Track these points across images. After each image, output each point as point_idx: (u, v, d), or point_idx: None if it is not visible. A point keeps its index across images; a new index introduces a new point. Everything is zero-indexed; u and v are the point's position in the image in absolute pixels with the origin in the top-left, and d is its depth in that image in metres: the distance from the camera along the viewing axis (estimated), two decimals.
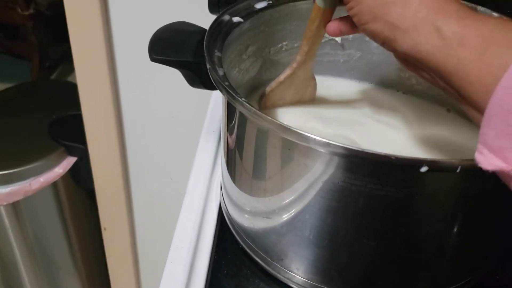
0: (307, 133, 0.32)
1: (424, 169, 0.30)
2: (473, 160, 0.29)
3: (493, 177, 0.27)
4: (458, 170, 0.30)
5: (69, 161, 1.00)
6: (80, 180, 1.05)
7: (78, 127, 0.94)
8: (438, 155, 0.47)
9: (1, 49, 2.41)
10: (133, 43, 0.83)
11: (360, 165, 0.32)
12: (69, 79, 1.86)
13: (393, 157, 0.30)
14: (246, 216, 0.45)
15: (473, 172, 0.29)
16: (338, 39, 0.56)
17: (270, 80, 0.56)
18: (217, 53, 0.41)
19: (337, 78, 0.59)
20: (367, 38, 0.54)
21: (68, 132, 1.01)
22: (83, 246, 1.13)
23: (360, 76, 0.58)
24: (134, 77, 0.87)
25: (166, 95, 0.86)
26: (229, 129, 0.43)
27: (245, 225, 0.45)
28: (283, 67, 0.55)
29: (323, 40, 0.56)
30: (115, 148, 0.94)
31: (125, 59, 0.84)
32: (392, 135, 0.50)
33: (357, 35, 0.56)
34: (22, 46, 2.25)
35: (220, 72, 0.39)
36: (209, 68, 0.38)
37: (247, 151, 0.41)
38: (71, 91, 0.98)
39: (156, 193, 0.98)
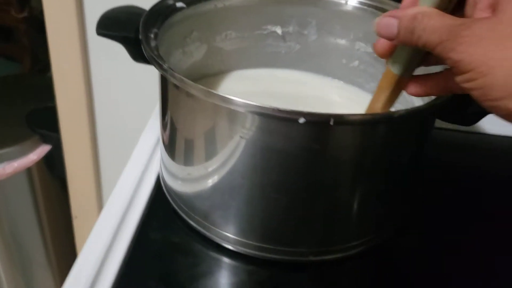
0: (215, 91, 0.38)
1: (302, 120, 0.35)
2: (343, 115, 0.34)
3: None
4: (331, 123, 0.35)
5: (44, 149, 1.05)
6: (54, 168, 1.09)
7: (54, 118, 0.99)
8: None
9: None
10: (107, 43, 0.88)
11: (257, 119, 0.38)
12: None
13: (275, 109, 0.35)
14: (179, 181, 0.50)
15: (348, 126, 0.35)
16: (279, 31, 0.62)
17: (215, 66, 0.61)
18: (154, 30, 0.47)
19: (281, 69, 0.64)
20: (305, 31, 0.62)
21: (44, 122, 1.06)
22: (55, 233, 1.17)
23: (301, 66, 0.64)
24: (106, 73, 0.92)
25: (135, 87, 0.92)
26: (162, 100, 0.48)
27: (177, 189, 0.50)
28: (228, 54, 0.61)
29: (265, 32, 0.62)
30: (86, 138, 0.99)
31: (98, 57, 0.90)
32: None
33: (296, 28, 0.62)
34: (14, 48, 2.31)
35: (152, 44, 0.44)
36: (141, 38, 0.44)
37: (176, 121, 0.46)
38: (48, 84, 1.03)
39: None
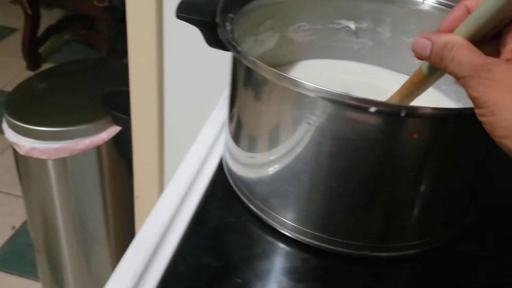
0: (296, 77, 0.38)
1: (373, 109, 0.35)
2: (418, 107, 0.34)
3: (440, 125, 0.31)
4: (402, 114, 0.35)
5: (114, 130, 1.10)
6: (122, 148, 1.14)
7: (126, 101, 1.04)
8: None
9: (77, 37, 2.62)
10: (182, 36, 0.92)
11: (321, 104, 0.38)
12: None
13: (347, 96, 0.35)
14: (241, 166, 0.51)
15: (418, 119, 0.34)
16: (352, 26, 0.61)
17: (285, 56, 0.62)
18: (230, 15, 0.48)
19: (351, 62, 0.64)
20: (379, 29, 0.61)
21: (117, 104, 1.11)
22: (116, 212, 1.22)
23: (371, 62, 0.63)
24: (178, 62, 0.96)
25: (204, 81, 0.94)
26: (232, 85, 0.49)
27: (238, 172, 0.51)
28: (299, 46, 0.62)
29: (337, 27, 0.62)
30: (155, 123, 1.03)
31: (172, 47, 0.93)
32: None
33: (370, 24, 0.61)
34: (94, 37, 2.43)
35: (228, 28, 0.46)
36: (218, 22, 0.45)
37: (245, 106, 0.47)
38: (127, 71, 1.08)
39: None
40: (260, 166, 0.48)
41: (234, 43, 0.42)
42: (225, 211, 0.49)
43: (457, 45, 0.33)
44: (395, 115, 0.36)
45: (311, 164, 0.43)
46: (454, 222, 0.49)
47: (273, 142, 0.45)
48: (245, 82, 0.46)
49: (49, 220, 1.19)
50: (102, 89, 1.15)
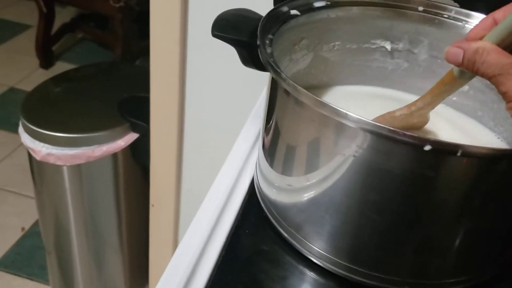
0: (341, 108, 0.37)
1: (427, 147, 0.33)
2: (476, 147, 0.32)
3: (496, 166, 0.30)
4: (458, 154, 0.33)
5: (132, 137, 1.09)
6: (139, 156, 1.13)
7: (144, 107, 1.02)
8: None
9: (90, 36, 2.61)
10: (205, 42, 0.90)
11: (372, 139, 0.36)
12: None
13: (401, 133, 0.33)
14: (274, 190, 0.49)
15: (473, 158, 0.33)
16: (388, 47, 0.60)
17: (318, 77, 0.60)
18: (269, 36, 0.47)
19: (384, 88, 0.63)
20: (416, 50, 0.60)
21: (135, 111, 1.10)
22: (130, 219, 1.21)
23: (405, 86, 0.62)
24: (201, 70, 0.94)
25: (228, 89, 0.93)
26: (269, 107, 0.48)
27: (272, 197, 0.50)
28: (332, 65, 0.60)
29: (373, 47, 0.60)
30: (174, 131, 1.02)
31: (196, 54, 0.92)
32: None
33: (406, 45, 0.60)
34: (108, 37, 2.42)
35: (268, 50, 0.44)
36: (259, 44, 0.44)
37: (281, 129, 0.46)
38: (144, 76, 1.07)
39: (206, 177, 1.04)
40: (294, 191, 0.47)
41: (277, 68, 0.41)
42: (257, 238, 0.48)
43: (487, 49, 0.37)
44: (449, 154, 0.34)
45: (352, 194, 0.41)
46: (495, 260, 0.47)
47: (311, 168, 0.44)
48: (283, 104, 0.45)
49: (61, 222, 1.18)
50: (119, 94, 1.14)
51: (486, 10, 0.55)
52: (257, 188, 0.53)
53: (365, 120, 0.35)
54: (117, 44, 2.26)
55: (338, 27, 0.57)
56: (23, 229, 1.63)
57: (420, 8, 0.57)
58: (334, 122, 0.38)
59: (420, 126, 0.52)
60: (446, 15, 0.56)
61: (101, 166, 1.08)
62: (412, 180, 0.38)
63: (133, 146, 1.10)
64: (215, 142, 1.00)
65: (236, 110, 0.93)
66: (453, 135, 0.55)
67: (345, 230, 0.44)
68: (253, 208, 0.51)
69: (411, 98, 0.62)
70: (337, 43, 0.58)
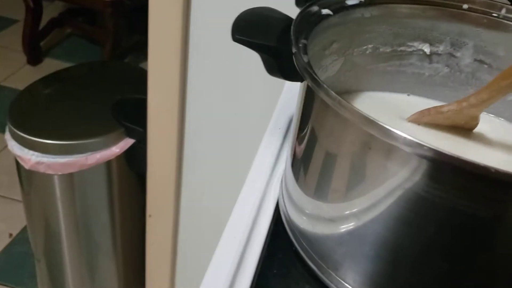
0: (394, 129, 0.29)
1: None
2: None
3: None
4: None
5: (127, 143, 1.01)
6: (134, 163, 1.05)
7: (141, 111, 0.95)
8: None
9: (78, 32, 2.51)
10: (208, 39, 0.82)
11: (450, 174, 0.29)
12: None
13: (492, 170, 0.26)
14: (305, 218, 0.42)
15: None
16: (427, 50, 0.53)
17: (347, 84, 0.53)
18: (303, 41, 0.39)
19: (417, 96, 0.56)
20: (458, 54, 0.53)
21: (130, 115, 1.02)
22: (125, 230, 1.14)
23: (446, 93, 0.55)
24: (203, 71, 0.86)
25: (233, 92, 0.85)
26: (302, 122, 0.40)
27: (303, 226, 0.42)
28: (364, 71, 0.53)
29: (409, 50, 0.53)
30: (174, 136, 0.94)
31: (198, 53, 0.84)
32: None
33: (448, 48, 0.53)
34: (98, 32, 2.33)
35: (305, 59, 0.37)
36: (295, 52, 0.36)
37: (318, 148, 0.39)
38: (139, 76, 0.99)
39: (207, 187, 0.96)
40: (330, 220, 0.40)
41: (318, 79, 0.34)
42: (288, 279, 0.40)
43: None
44: None
45: (398, 230, 0.34)
46: None
47: (352, 194, 0.36)
48: (321, 119, 0.38)
49: (51, 229, 1.11)
50: (113, 97, 1.06)
51: None
52: (284, 215, 0.45)
53: (437, 150, 0.28)
54: (107, 40, 2.17)
55: (372, 28, 0.50)
56: (10, 235, 1.55)
57: (465, 6, 0.50)
58: (385, 144, 0.31)
59: (468, 128, 0.47)
60: (496, 14, 0.49)
61: (95, 174, 1.00)
62: (477, 216, 0.30)
63: (128, 153, 1.02)
64: (219, 149, 0.93)
65: (244, 115, 0.86)
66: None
67: (394, 272, 0.37)
68: (280, 241, 0.43)
69: None
70: (369, 46, 0.51)
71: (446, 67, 0.53)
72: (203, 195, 0.99)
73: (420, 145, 0.28)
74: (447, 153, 0.27)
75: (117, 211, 1.10)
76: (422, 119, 0.46)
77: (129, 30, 2.25)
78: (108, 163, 1.01)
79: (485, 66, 0.52)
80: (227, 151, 0.91)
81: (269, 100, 0.67)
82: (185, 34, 0.85)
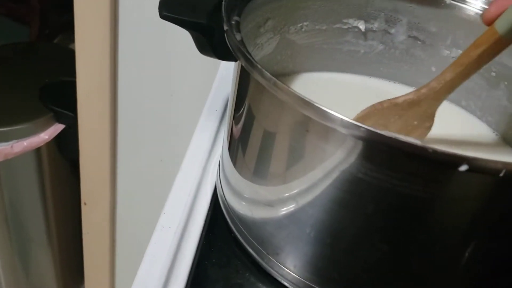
0: (327, 108, 0.28)
1: (463, 168, 0.26)
2: None
3: None
4: (501, 174, 0.26)
5: (57, 128, 0.95)
6: (65, 149, 1.00)
7: (70, 94, 0.89)
8: None
9: (3, 11, 2.35)
10: (138, 11, 0.78)
11: (387, 155, 0.28)
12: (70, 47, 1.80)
13: (430, 150, 0.26)
14: (244, 202, 0.41)
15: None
16: (362, 27, 0.52)
17: (283, 63, 0.52)
18: (235, 17, 0.37)
19: (354, 75, 0.55)
20: (393, 31, 0.52)
21: (59, 98, 0.96)
22: (60, 219, 1.09)
23: (380, 70, 0.55)
24: (134, 50, 0.82)
25: (167, 72, 0.82)
26: (237, 103, 0.39)
27: (241, 212, 0.41)
28: (299, 49, 0.52)
29: (344, 27, 0.52)
30: (106, 120, 0.90)
31: (128, 29, 0.80)
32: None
33: (382, 25, 0.52)
34: (23, 10, 2.19)
35: (238, 37, 0.35)
36: (227, 29, 0.34)
37: (255, 130, 0.37)
38: (68, 57, 0.93)
39: (144, 172, 0.93)
40: (269, 203, 0.38)
41: (252, 60, 0.32)
42: (228, 269, 0.39)
43: None
44: (489, 175, 0.27)
45: (356, 216, 0.33)
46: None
47: (292, 174, 0.35)
48: (256, 100, 0.36)
49: None
50: (40, 80, 1.00)
51: None
52: (222, 200, 0.44)
53: (374, 131, 0.27)
54: (33, 19, 2.04)
55: (307, 4, 0.48)
56: None
57: None
58: (322, 126, 0.30)
59: (420, 133, 0.42)
60: None
61: (23, 163, 0.94)
62: (425, 201, 0.30)
63: (58, 139, 0.96)
64: (154, 132, 0.89)
65: (178, 95, 0.83)
66: (444, 130, 0.49)
67: (334, 255, 0.36)
68: (218, 228, 0.42)
69: (386, 85, 0.55)
70: (305, 23, 0.50)
71: (381, 44, 0.53)
72: (140, 181, 0.95)
73: (357, 126, 0.27)
74: (384, 133, 0.27)
75: (50, 200, 1.04)
76: (371, 112, 0.42)
77: (57, 8, 2.13)
78: (37, 151, 0.95)
79: (419, 42, 0.52)
80: (163, 134, 0.88)
81: (206, 79, 0.65)
82: (113, 12, 0.80)
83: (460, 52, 0.50)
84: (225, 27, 0.34)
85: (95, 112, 0.90)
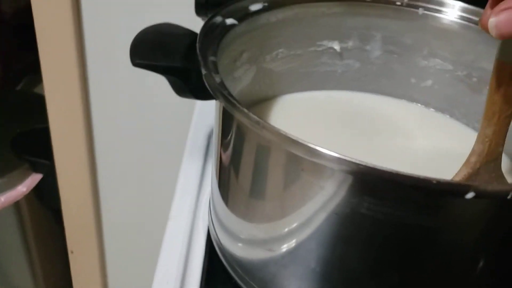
0: (321, 147, 0.27)
1: (470, 195, 0.25)
2: None
3: None
4: (509, 197, 0.25)
5: (34, 179, 0.92)
6: (46, 199, 0.97)
7: (44, 141, 0.87)
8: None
9: None
10: (107, 52, 0.76)
11: (388, 189, 0.27)
12: (35, 91, 1.76)
13: (434, 181, 0.24)
14: (241, 244, 0.39)
15: None
16: (336, 47, 0.51)
17: (263, 91, 0.51)
18: (211, 58, 0.36)
19: (335, 91, 0.54)
20: (368, 47, 0.52)
21: (33, 147, 0.94)
22: (47, 271, 1.05)
23: (360, 87, 0.54)
24: (107, 89, 0.80)
25: (143, 109, 0.80)
26: (223, 144, 0.37)
27: (239, 255, 0.39)
28: (278, 76, 0.51)
29: (319, 49, 0.51)
30: (84, 164, 0.87)
31: (98, 69, 0.78)
32: (394, 147, 0.46)
33: (357, 43, 0.51)
34: None
35: (217, 79, 0.33)
36: (205, 74, 0.33)
37: (245, 169, 0.36)
38: (37, 104, 0.91)
39: (130, 215, 0.91)
40: (269, 243, 0.37)
41: (235, 102, 0.31)
42: None
43: None
44: (497, 200, 0.26)
45: (361, 251, 0.32)
46: None
47: (289, 213, 0.34)
48: (244, 141, 0.35)
49: None
50: (11, 130, 0.97)
51: None
52: (217, 245, 0.42)
53: (374, 168, 0.26)
54: None
55: (280, 32, 0.47)
56: None
57: None
58: (315, 164, 0.29)
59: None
60: (399, 2, 0.49)
61: (3, 219, 0.91)
62: (438, 232, 0.29)
63: (37, 189, 0.93)
64: (135, 173, 0.87)
65: (157, 133, 0.81)
66: (433, 140, 0.48)
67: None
68: (217, 276, 0.40)
69: (368, 98, 0.54)
70: (280, 51, 0.49)
71: (357, 62, 0.52)
72: (128, 225, 0.93)
73: (354, 163, 0.26)
74: (384, 169, 0.25)
75: (34, 252, 1.01)
76: None
77: (20, 50, 2.09)
78: (17, 204, 0.92)
79: (395, 56, 0.51)
80: (146, 175, 0.85)
81: (184, 115, 0.63)
82: (81, 53, 0.78)
83: (438, 61, 0.50)
84: (203, 71, 0.33)
85: (72, 158, 0.87)
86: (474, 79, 0.48)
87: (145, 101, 0.78)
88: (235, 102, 0.31)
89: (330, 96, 0.54)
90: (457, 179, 0.33)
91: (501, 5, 0.26)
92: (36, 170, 0.93)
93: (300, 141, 0.27)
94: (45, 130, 0.84)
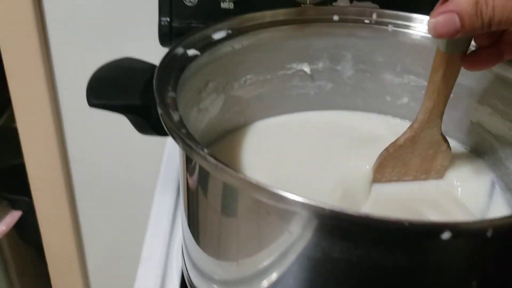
0: (284, 191, 0.25)
1: (446, 235, 0.23)
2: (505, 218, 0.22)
3: None
4: (489, 235, 0.23)
5: (13, 216, 0.90)
6: (27, 235, 0.94)
7: (22, 178, 0.84)
8: None
9: None
10: (78, 84, 0.74)
11: (358, 232, 0.25)
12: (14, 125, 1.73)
13: (406, 223, 0.23)
14: (215, 286, 0.37)
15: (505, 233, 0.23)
16: (307, 69, 0.50)
17: (233, 120, 0.49)
18: (170, 93, 0.34)
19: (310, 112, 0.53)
20: (339, 67, 0.50)
21: (11, 184, 0.91)
22: None
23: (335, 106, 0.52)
24: (80, 121, 0.78)
25: (117, 141, 0.78)
26: (189, 184, 0.35)
27: None
28: (248, 103, 0.49)
29: (289, 72, 0.50)
30: (63, 200, 0.85)
31: (70, 102, 0.76)
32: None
33: (327, 64, 0.50)
34: None
35: (175, 117, 0.32)
36: (161, 113, 0.31)
37: (212, 210, 0.34)
38: (13, 139, 0.88)
39: (112, 248, 0.88)
40: (240, 283, 0.35)
41: (193, 144, 0.29)
42: None
43: None
44: (475, 237, 0.24)
45: None
46: None
47: (262, 255, 0.32)
48: (207, 184, 0.33)
49: None
50: None
51: (408, 7, 0.48)
52: (190, 286, 0.40)
53: (345, 212, 0.24)
54: None
55: (246, 58, 0.46)
56: None
57: (336, 18, 0.48)
58: (282, 209, 0.27)
59: (441, 167, 0.43)
60: (367, 20, 0.47)
61: None
62: (416, 272, 0.27)
63: (17, 226, 0.91)
64: (113, 206, 0.85)
65: (132, 165, 0.79)
66: None
67: None
68: None
69: (344, 115, 0.52)
70: (248, 77, 0.47)
71: (329, 83, 0.51)
72: (110, 258, 0.90)
73: (322, 208, 0.24)
74: (354, 213, 0.24)
75: None
76: (386, 161, 0.42)
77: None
78: None
79: (368, 74, 0.50)
80: (123, 209, 0.83)
81: (157, 152, 0.61)
82: (52, 87, 0.77)
83: (412, 77, 0.49)
84: (159, 111, 0.31)
85: (51, 193, 0.85)
86: (451, 95, 0.47)
87: (118, 135, 0.76)
88: (191, 144, 0.29)
89: (305, 118, 0.52)
90: (402, 139, 0.40)
91: (440, 9, 0.30)
92: (14, 207, 0.90)
93: (261, 185, 0.25)
94: (22, 166, 0.82)
